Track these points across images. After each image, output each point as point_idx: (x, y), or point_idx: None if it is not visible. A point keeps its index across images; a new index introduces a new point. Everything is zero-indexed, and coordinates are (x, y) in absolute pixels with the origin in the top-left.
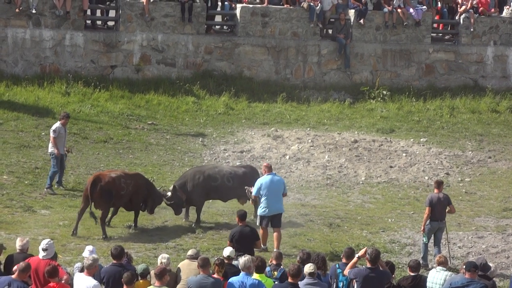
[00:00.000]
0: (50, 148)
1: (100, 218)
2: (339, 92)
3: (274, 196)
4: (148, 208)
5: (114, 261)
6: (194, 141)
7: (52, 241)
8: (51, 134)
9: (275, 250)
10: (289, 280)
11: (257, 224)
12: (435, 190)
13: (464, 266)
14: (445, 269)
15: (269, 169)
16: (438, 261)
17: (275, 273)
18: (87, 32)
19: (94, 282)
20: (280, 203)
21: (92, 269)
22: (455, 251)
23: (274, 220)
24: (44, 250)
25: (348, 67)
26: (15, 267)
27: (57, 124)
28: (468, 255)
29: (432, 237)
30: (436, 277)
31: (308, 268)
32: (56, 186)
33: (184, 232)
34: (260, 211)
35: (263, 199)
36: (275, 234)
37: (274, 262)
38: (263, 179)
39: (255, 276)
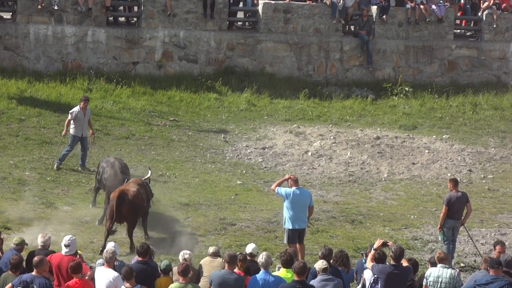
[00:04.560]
0: (71, 130)
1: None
2: (362, 89)
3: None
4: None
5: (139, 258)
6: (216, 137)
7: (74, 237)
8: (68, 116)
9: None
10: (295, 278)
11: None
12: (453, 190)
13: (486, 263)
14: (447, 266)
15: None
16: (438, 257)
17: None
18: (109, 28)
19: (115, 273)
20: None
21: (112, 262)
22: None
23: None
24: (66, 246)
25: (371, 63)
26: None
27: (76, 108)
28: (491, 252)
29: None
30: (441, 275)
31: (321, 264)
32: (80, 169)
33: (206, 229)
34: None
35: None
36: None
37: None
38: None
39: (283, 271)
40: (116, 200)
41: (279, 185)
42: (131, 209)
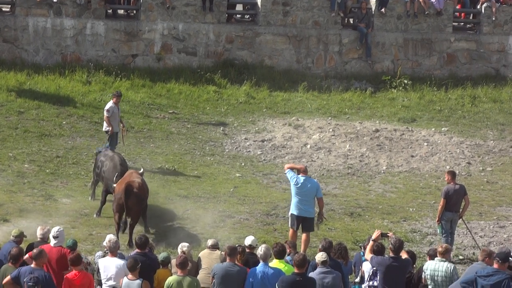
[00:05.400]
0: (105, 127)
1: (131, 225)
2: (361, 81)
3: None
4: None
5: (138, 250)
6: (215, 130)
7: (62, 228)
8: (105, 114)
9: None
10: (296, 270)
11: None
12: (451, 182)
13: (483, 255)
14: (444, 259)
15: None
16: (439, 251)
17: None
18: (108, 21)
19: (122, 261)
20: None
21: (116, 251)
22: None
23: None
24: (55, 237)
25: (370, 56)
26: (26, 256)
27: (110, 104)
28: (490, 244)
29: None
30: (437, 269)
31: (320, 256)
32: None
33: (205, 221)
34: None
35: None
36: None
37: (292, 251)
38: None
39: (275, 262)
40: (124, 193)
41: (291, 168)
42: (137, 201)
